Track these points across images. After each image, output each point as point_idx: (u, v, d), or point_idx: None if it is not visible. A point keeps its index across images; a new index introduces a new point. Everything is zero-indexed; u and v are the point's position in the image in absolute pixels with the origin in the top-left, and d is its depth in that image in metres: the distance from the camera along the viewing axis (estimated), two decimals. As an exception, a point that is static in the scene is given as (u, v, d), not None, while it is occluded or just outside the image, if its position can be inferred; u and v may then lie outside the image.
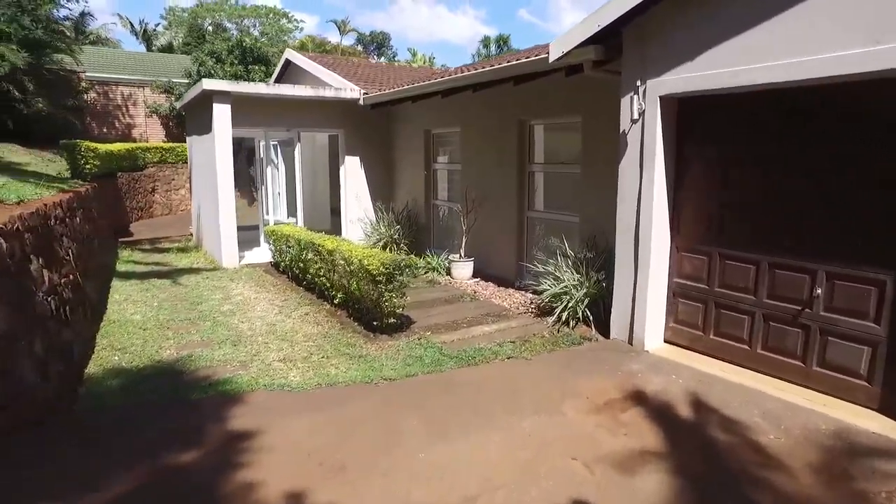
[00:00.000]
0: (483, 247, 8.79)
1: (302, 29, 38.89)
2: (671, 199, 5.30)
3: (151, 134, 19.61)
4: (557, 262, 6.53)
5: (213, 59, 17.49)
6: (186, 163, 20.14)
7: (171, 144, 17.89)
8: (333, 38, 47.92)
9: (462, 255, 8.62)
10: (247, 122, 9.85)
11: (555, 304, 6.27)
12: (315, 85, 10.49)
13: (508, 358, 5.26)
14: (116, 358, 5.13)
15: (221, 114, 9.25)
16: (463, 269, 8.49)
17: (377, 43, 55.63)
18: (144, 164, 16.83)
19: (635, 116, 5.16)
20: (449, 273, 8.66)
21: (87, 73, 18.06)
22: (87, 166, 11.34)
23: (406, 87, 9.00)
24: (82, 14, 30.91)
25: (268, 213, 17.39)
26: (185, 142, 20.69)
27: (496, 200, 8.46)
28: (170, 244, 12.34)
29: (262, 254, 10.11)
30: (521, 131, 7.94)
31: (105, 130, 19.06)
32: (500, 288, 7.99)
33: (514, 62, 6.70)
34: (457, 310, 6.92)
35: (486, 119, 8.54)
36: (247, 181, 19.41)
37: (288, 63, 14.28)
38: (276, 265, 9.31)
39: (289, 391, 4.48)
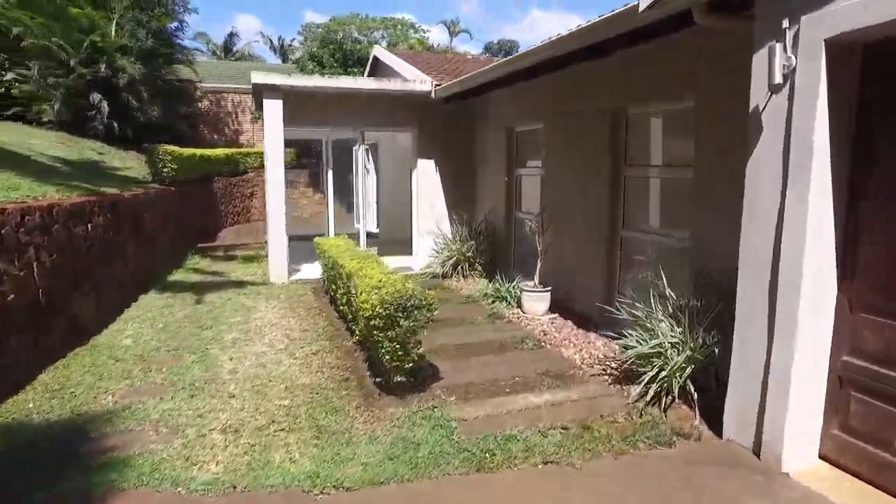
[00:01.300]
0: (565, 274, 6.84)
1: (428, 39, 38.70)
2: (841, 220, 3.10)
3: (258, 139, 19.89)
4: (652, 305, 4.48)
5: (315, 63, 17.15)
6: (290, 167, 20.28)
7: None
8: (462, 46, 47.55)
9: (536, 283, 6.73)
10: (304, 121, 8.80)
11: (642, 369, 4.24)
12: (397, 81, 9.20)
13: (546, 462, 3.37)
14: (35, 404, 4.05)
15: (272, 110, 8.26)
16: (535, 302, 6.60)
17: (505, 51, 54.43)
18: (245, 169, 16.86)
19: (777, 80, 3.05)
20: (520, 305, 6.81)
21: (202, 83, 18.67)
22: (165, 170, 11.11)
23: (477, 71, 7.34)
24: (230, 35, 33.23)
25: (358, 222, 16.66)
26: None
27: (581, 214, 6.48)
28: (242, 252, 11.78)
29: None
30: (613, 124, 5.92)
31: (216, 137, 19.62)
32: (579, 330, 5.99)
33: (590, 22, 4.77)
34: (507, 362, 5.09)
35: (572, 111, 6.61)
36: (344, 186, 18.96)
37: (376, 61, 13.30)
38: (324, 283, 8.11)
39: (181, 496, 3.01)
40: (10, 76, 15.21)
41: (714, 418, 3.77)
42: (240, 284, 8.48)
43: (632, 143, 5.87)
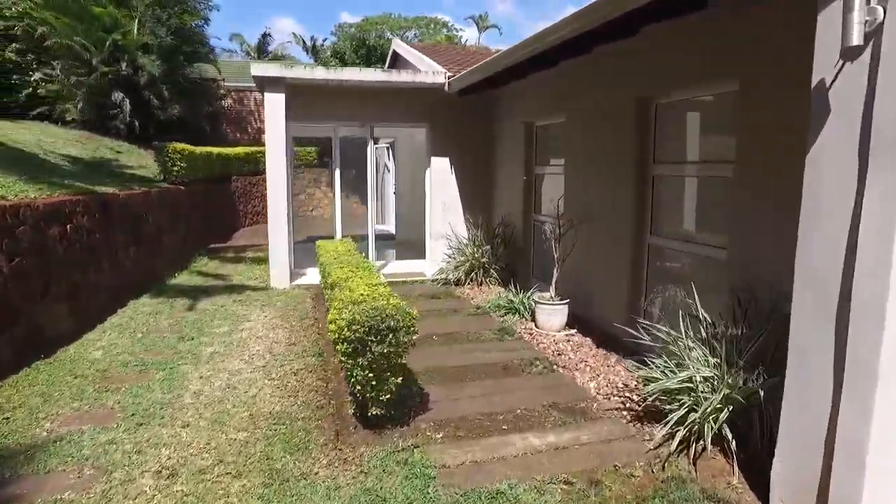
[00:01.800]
0: (585, 284, 6.09)
1: (461, 37, 38.03)
2: (939, 231, 2.30)
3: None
4: (682, 329, 3.72)
5: (337, 59, 16.70)
6: (311, 166, 19.87)
7: (296, 148, 17.48)
8: (492, 44, 46.79)
9: (553, 295, 5.99)
10: (309, 116, 8.27)
11: (668, 406, 3.48)
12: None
13: (539, 534, 2.67)
14: (-43, 434, 3.56)
15: (273, 105, 7.74)
16: (550, 316, 5.86)
17: (536, 48, 53.35)
18: (265, 168, 16.52)
19: (853, 41, 2.27)
20: (534, 319, 6.08)
21: (226, 82, 18.48)
22: (175, 169, 10.76)
23: (491, 57, 6.65)
24: (264, 35, 33.27)
25: (372, 223, 16.15)
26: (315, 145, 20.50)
27: (604, 217, 5.72)
28: (254, 253, 11.34)
29: (323, 273, 8.45)
30: (641, 114, 5.14)
31: (238, 135, 19.40)
32: (599, 350, 5.23)
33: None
34: (510, 390, 4.38)
35: (595, 101, 5.86)
36: (362, 186, 18.45)
37: (396, 55, 12.73)
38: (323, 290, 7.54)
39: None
40: (36, 76, 15.29)
41: (758, 477, 3.00)
42: (239, 289, 7.99)
43: (661, 137, 5.09)
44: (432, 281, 8.35)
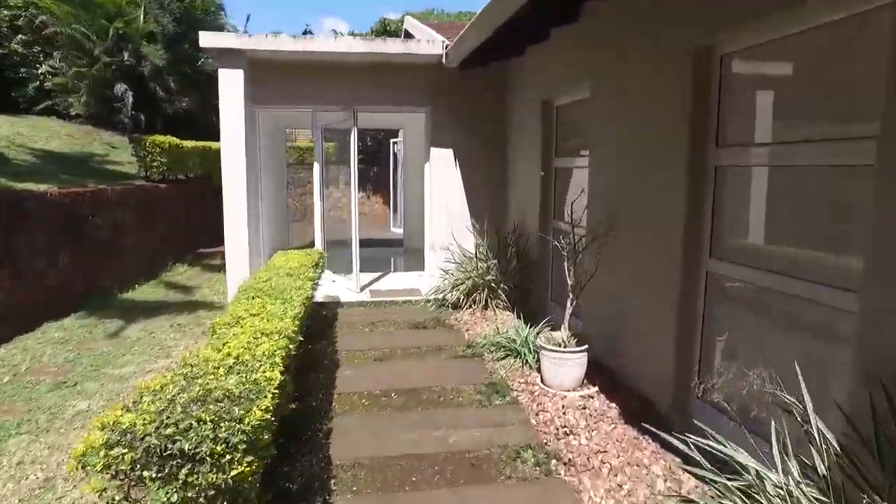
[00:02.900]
0: (611, 319, 4.34)
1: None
2: None
3: (299, 133, 18.37)
4: (774, 444, 1.96)
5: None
6: (328, 163, 18.56)
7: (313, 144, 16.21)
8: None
9: (565, 339, 4.23)
10: (278, 97, 6.77)
11: None
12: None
13: None
14: None
15: (229, 83, 6.29)
16: (559, 368, 4.10)
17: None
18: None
19: None
20: (539, 367, 4.34)
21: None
22: (155, 164, 9.51)
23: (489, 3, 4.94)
24: (304, 33, 32.42)
25: (396, 226, 14.58)
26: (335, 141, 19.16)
27: (639, 227, 3.96)
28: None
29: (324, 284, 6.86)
30: (697, 76, 3.35)
31: (254, 130, 18.29)
32: (627, 429, 3.45)
33: None
34: (473, 510, 2.71)
35: (629, 62, 4.09)
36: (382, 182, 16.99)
37: (408, 35, 11.16)
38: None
39: None
40: (43, 69, 14.58)
41: None
42: (192, 307, 6.62)
43: (727, 108, 3.28)
44: (426, 301, 6.72)
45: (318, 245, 7.32)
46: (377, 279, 7.84)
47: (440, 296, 6.57)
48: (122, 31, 13.36)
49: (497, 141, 7.15)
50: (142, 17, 13.88)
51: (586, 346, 4.09)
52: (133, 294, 7.41)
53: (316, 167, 7.40)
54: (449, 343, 5.22)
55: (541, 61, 5.85)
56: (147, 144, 9.46)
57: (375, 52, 6.43)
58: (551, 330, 4.51)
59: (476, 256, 6.50)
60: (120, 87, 13.30)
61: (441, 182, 7.19)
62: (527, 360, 4.57)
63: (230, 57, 6.20)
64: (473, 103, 7.02)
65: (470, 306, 6.32)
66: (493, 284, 6.31)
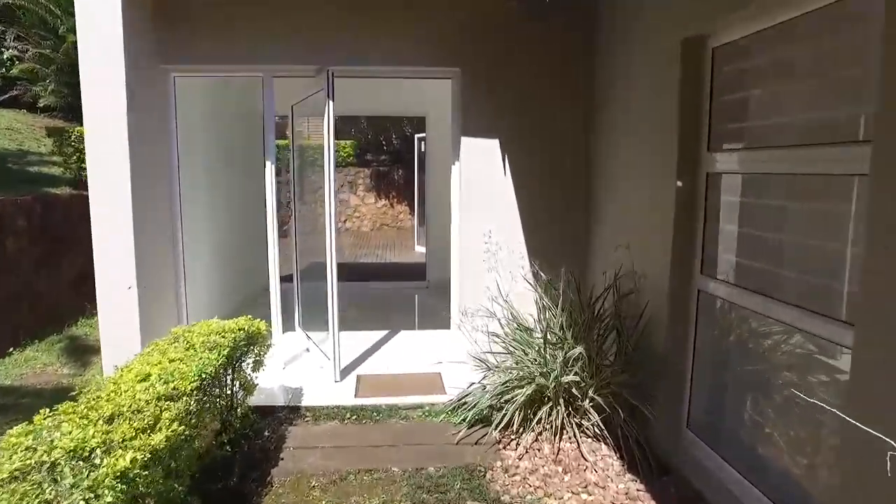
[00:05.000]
0: None
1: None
2: None
3: (313, 130, 15.76)
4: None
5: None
6: (338, 166, 15.78)
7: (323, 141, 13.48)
8: None
9: None
10: (207, 52, 3.97)
11: None
12: None
13: None
14: None
15: (91, 17, 3.51)
16: None
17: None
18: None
19: None
20: None
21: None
22: (83, 164, 6.91)
23: None
24: None
25: (420, 244, 11.62)
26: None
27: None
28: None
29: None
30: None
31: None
32: None
33: None
34: None
35: None
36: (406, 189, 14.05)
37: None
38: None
39: None
40: (8, 53, 12.41)
41: None
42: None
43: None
44: (449, 412, 3.75)
45: (296, 280, 4.47)
46: (374, 349, 4.89)
47: (472, 406, 3.60)
48: (92, 5, 10.92)
49: (579, 129, 4.18)
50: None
51: None
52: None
53: (269, 168, 4.54)
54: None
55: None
56: (73, 139, 6.82)
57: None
58: None
59: (545, 336, 3.50)
60: (89, 73, 10.91)
61: (479, 194, 4.26)
62: None
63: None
64: (537, 62, 4.07)
65: (527, 430, 3.36)
66: (574, 391, 3.33)
